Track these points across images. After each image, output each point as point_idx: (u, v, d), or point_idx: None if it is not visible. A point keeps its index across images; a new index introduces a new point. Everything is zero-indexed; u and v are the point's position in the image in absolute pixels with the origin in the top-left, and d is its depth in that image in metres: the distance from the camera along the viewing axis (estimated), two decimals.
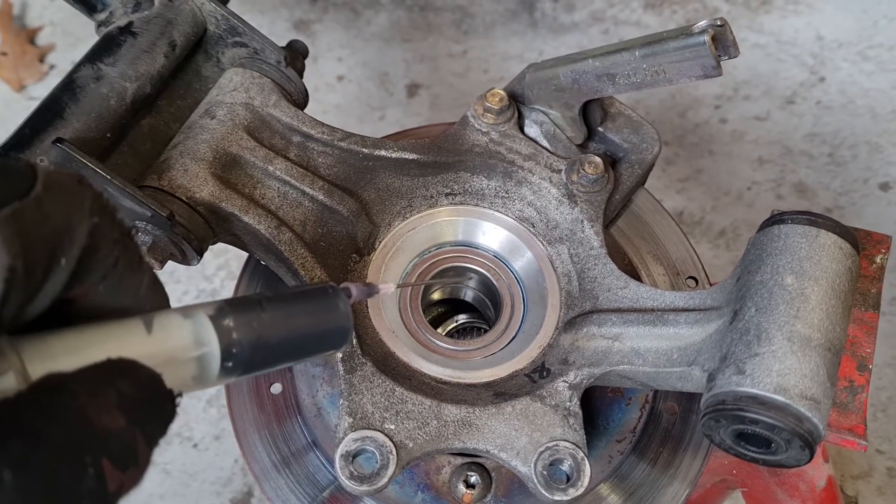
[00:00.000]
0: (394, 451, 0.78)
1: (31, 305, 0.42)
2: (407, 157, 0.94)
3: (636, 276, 0.96)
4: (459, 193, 0.98)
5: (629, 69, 0.84)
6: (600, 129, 0.98)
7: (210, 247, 0.90)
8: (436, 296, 1.06)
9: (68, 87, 0.84)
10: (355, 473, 0.77)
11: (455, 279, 1.01)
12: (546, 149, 0.96)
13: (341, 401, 0.80)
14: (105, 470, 0.39)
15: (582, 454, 0.79)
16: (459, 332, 1.10)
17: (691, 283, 0.99)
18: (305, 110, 0.98)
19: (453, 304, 1.09)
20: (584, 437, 0.80)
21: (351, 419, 0.79)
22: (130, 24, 0.89)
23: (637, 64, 0.83)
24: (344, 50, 2.26)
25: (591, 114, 0.96)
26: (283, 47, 0.97)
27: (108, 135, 0.84)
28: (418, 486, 0.88)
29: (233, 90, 0.93)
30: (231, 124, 0.91)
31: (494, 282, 0.97)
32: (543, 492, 0.78)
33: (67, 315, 0.46)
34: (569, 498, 0.78)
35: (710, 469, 1.02)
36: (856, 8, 2.29)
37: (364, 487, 0.76)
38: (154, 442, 0.43)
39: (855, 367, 0.90)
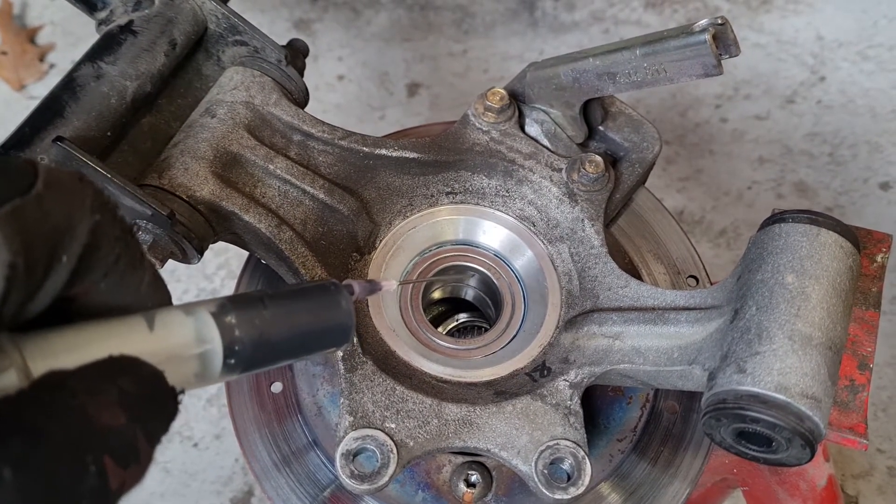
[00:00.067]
0: (394, 450, 0.78)
1: (32, 303, 0.42)
2: (407, 155, 0.94)
3: (637, 275, 0.96)
4: (460, 192, 0.98)
5: (630, 68, 0.84)
6: (601, 127, 0.98)
7: (210, 245, 0.90)
8: (436, 295, 1.06)
9: (68, 86, 0.84)
10: (356, 472, 0.77)
11: (456, 278, 1.01)
12: (547, 148, 0.96)
13: (342, 399, 0.80)
14: (107, 467, 0.39)
15: (583, 453, 0.79)
16: (460, 331, 1.10)
17: (692, 281, 0.99)
18: (306, 109, 0.98)
19: (454, 303, 1.09)
20: (585, 435, 0.80)
21: (351, 418, 0.79)
22: (131, 22, 0.89)
23: (638, 63, 0.83)
24: (344, 49, 2.26)
25: (592, 113, 0.96)
26: (283, 46, 0.97)
27: (109, 133, 0.84)
28: (419, 484, 0.88)
29: (233, 89, 0.93)
30: (231, 123, 0.91)
31: (495, 280, 0.97)
32: (544, 490, 0.78)
33: (69, 313, 0.45)
34: (569, 497, 0.78)
35: (711, 468, 1.02)
36: (856, 8, 2.29)
37: (365, 486, 0.76)
38: (156, 439, 0.43)
39: (856, 365, 0.90)
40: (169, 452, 1.80)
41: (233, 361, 0.50)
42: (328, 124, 0.95)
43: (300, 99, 0.99)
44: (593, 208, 0.93)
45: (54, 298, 0.43)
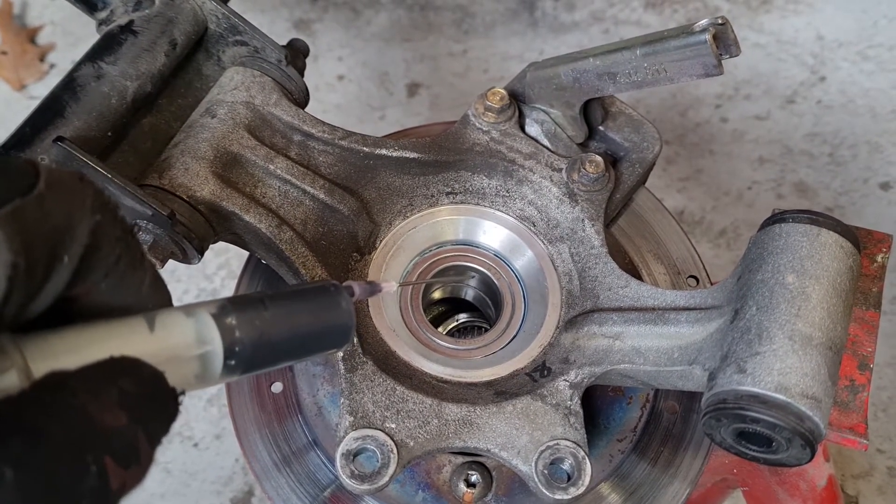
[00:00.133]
0: (394, 450, 0.78)
1: (33, 303, 0.42)
2: (408, 155, 0.94)
3: (637, 275, 0.96)
4: (460, 192, 0.98)
5: (630, 68, 0.84)
6: (601, 127, 0.98)
7: (210, 245, 0.90)
8: (436, 295, 1.06)
9: (69, 86, 0.84)
10: (356, 472, 0.77)
11: (456, 278, 1.01)
12: (547, 148, 0.96)
13: (342, 400, 0.80)
14: (108, 468, 0.39)
15: (583, 453, 0.79)
16: (460, 331, 1.10)
17: (692, 282, 0.99)
18: (306, 110, 0.98)
19: (454, 303, 1.09)
20: (585, 435, 0.80)
21: (352, 418, 0.79)
22: (131, 22, 0.89)
23: (638, 63, 0.83)
24: (344, 49, 2.26)
25: (592, 113, 0.96)
26: (283, 46, 0.97)
27: (109, 133, 0.84)
28: (419, 484, 0.88)
29: (233, 89, 0.93)
30: (232, 123, 0.91)
31: (495, 281, 0.97)
32: (544, 491, 0.78)
33: (69, 313, 0.45)
34: (569, 497, 0.78)
35: (711, 468, 1.02)
36: (856, 8, 2.29)
37: (365, 486, 0.76)
38: (157, 440, 0.43)
39: (856, 366, 0.90)
40: (169, 452, 1.79)
41: (233, 362, 0.50)
42: (328, 124, 0.95)
43: (300, 99, 0.99)
44: (593, 208, 0.93)
45: (55, 299, 0.43)
